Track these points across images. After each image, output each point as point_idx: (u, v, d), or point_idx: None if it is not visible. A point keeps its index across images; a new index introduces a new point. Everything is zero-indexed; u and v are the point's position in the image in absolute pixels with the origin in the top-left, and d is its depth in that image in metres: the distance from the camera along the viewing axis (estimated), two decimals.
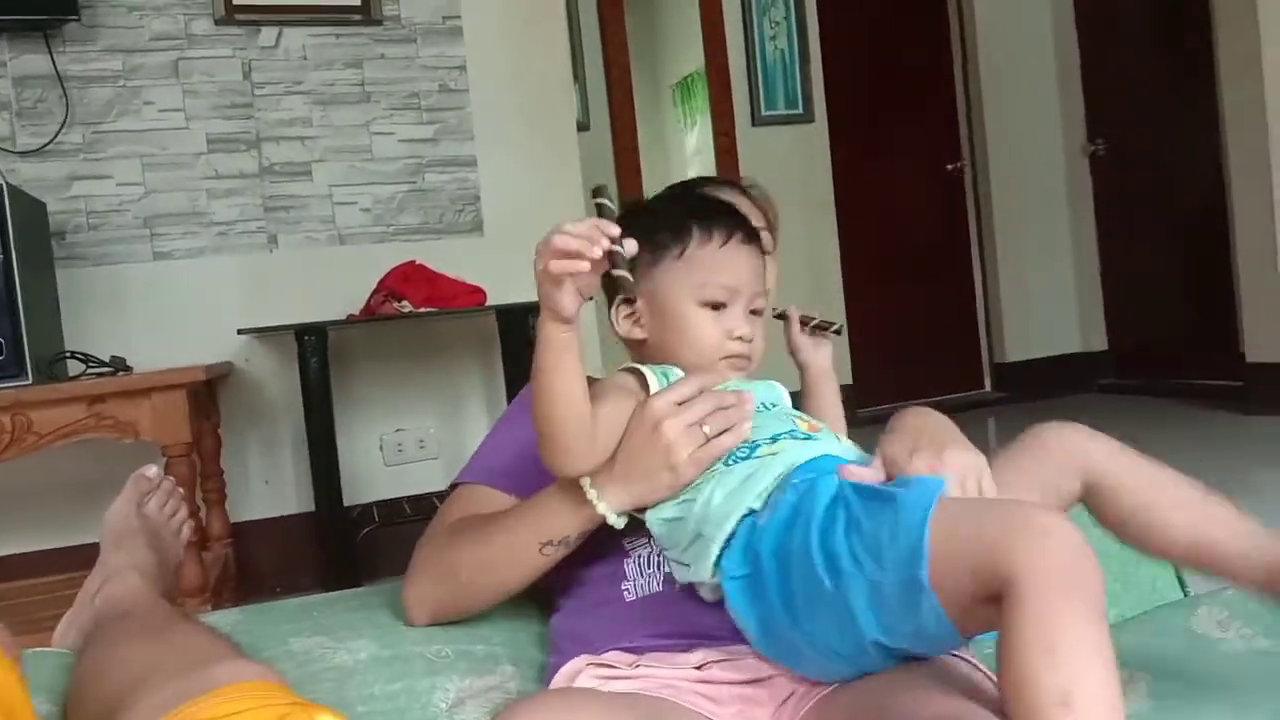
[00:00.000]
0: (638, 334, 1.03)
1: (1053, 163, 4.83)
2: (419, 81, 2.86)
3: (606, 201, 0.88)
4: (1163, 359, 4.49)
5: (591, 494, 0.94)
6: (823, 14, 4.55)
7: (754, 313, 1.04)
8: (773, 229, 1.23)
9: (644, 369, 0.99)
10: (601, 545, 1.01)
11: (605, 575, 1.02)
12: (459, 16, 2.89)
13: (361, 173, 2.82)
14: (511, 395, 2.70)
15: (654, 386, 0.97)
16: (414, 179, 2.85)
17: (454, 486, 1.14)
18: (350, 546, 2.47)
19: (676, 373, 1.00)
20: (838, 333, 1.22)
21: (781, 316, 1.22)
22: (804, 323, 1.21)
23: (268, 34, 2.75)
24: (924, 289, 4.73)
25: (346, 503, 2.57)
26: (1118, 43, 4.55)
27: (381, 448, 2.81)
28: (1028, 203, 4.78)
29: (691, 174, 4.98)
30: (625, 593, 1.00)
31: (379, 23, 2.82)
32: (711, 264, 1.01)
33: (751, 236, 1.05)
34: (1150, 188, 4.44)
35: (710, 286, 1.00)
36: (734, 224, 1.03)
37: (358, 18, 2.81)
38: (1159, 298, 4.49)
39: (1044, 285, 4.79)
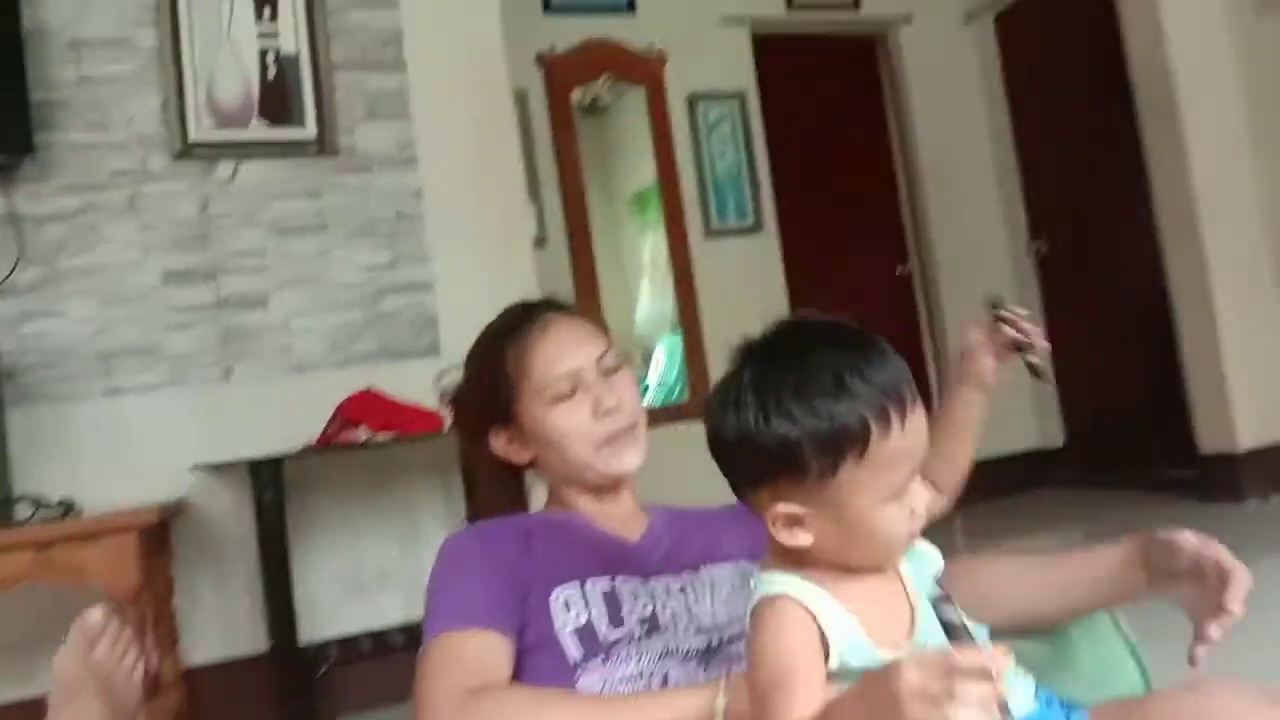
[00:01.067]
0: (803, 540, 0.82)
1: (998, 263, 4.96)
2: (376, 209, 2.89)
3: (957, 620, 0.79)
4: (1119, 452, 4.55)
5: None
6: (769, 126, 4.70)
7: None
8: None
9: (809, 604, 0.81)
10: (548, 677, 0.99)
11: None
12: (414, 145, 2.94)
13: (319, 301, 2.82)
14: (473, 522, 2.66)
15: (827, 625, 0.80)
16: (372, 304, 2.86)
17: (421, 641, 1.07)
18: (307, 687, 2.39)
19: (820, 595, 0.82)
20: (1037, 375, 1.19)
21: (997, 311, 1.16)
22: (1018, 347, 1.17)
23: (224, 168, 2.77)
24: None
25: (304, 640, 2.49)
26: (1053, 145, 4.73)
27: (340, 581, 2.75)
28: (977, 303, 4.86)
29: (648, 284, 5.06)
30: None
31: (335, 154, 2.87)
32: (894, 455, 0.80)
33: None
34: (1094, 283, 4.57)
35: (898, 479, 0.81)
36: (899, 399, 0.82)
37: (314, 149, 2.85)
38: (1111, 392, 4.57)
39: (998, 383, 4.85)
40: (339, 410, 2.55)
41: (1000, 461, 4.79)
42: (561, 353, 1.12)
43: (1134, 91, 3.95)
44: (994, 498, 4.54)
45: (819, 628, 0.81)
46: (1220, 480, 3.71)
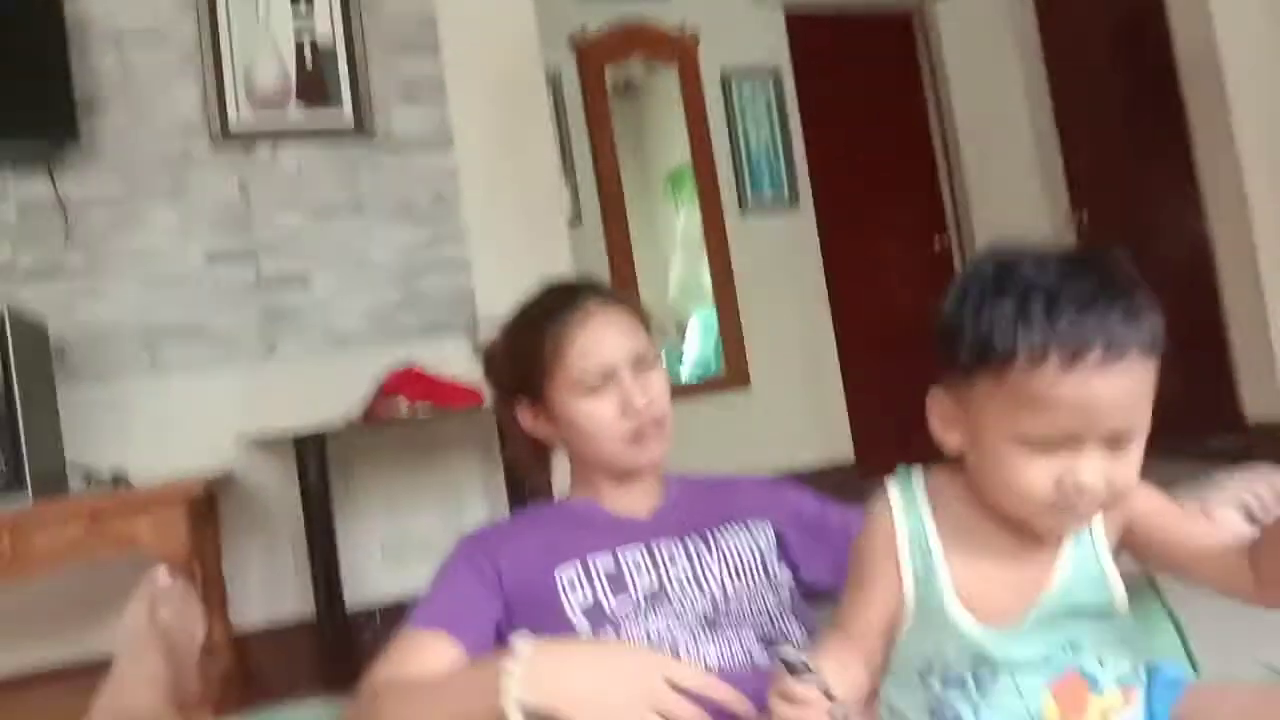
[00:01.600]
0: (950, 441, 0.83)
1: (1039, 234, 4.90)
2: (412, 190, 2.94)
3: (800, 661, 0.77)
4: (1163, 421, 4.46)
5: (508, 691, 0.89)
6: (803, 103, 4.68)
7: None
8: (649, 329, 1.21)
9: (899, 521, 0.84)
10: None
11: None
12: (449, 127, 2.99)
13: (359, 279, 2.88)
14: (511, 492, 2.72)
15: (904, 556, 0.83)
16: (410, 282, 2.92)
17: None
18: (352, 650, 2.46)
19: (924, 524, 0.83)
20: None
21: None
22: None
23: (263, 152, 2.84)
24: (920, 364, 4.73)
25: (349, 606, 2.56)
26: (1092, 114, 4.66)
27: (383, 549, 2.82)
28: None
29: (682, 260, 5.08)
30: None
31: (372, 136, 2.92)
32: (1038, 398, 0.74)
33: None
34: (1137, 252, 4.44)
35: (1038, 427, 0.75)
36: (1075, 346, 0.74)
37: (351, 132, 2.91)
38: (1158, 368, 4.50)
39: None
40: (383, 386, 2.61)
41: None
42: (598, 345, 1.12)
43: (1176, 59, 3.87)
44: None
45: (895, 550, 0.83)
46: (1266, 449, 3.65)
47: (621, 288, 4.29)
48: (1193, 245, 4.02)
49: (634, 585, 1.07)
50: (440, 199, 2.97)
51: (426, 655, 1.06)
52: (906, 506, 0.86)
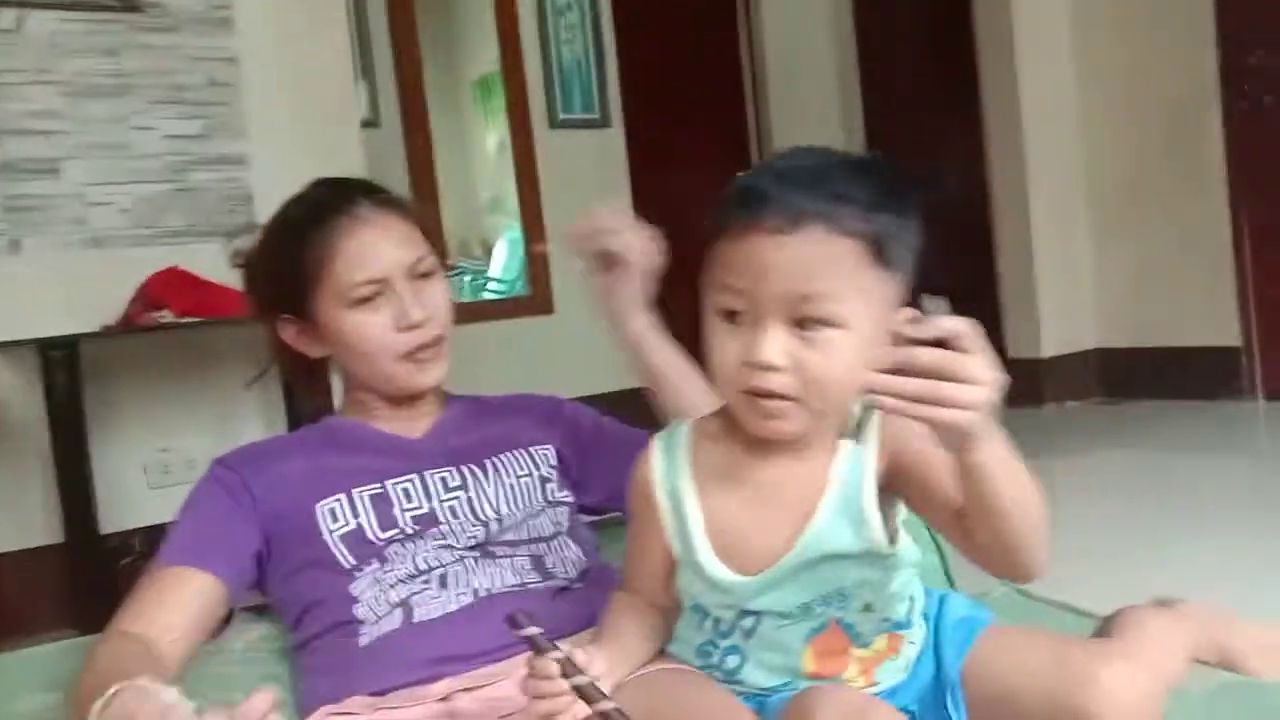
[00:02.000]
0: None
1: None
2: (185, 73, 2.66)
3: (534, 632, 0.75)
4: None
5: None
6: (618, 18, 4.58)
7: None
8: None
9: (655, 458, 0.85)
10: (327, 588, 0.99)
11: (337, 625, 0.98)
12: (229, 6, 2.71)
13: (119, 170, 2.59)
14: (291, 409, 2.57)
15: (660, 496, 0.83)
16: (179, 177, 2.65)
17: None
18: (108, 579, 2.27)
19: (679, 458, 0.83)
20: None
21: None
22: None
23: (7, 16, 2.48)
24: None
25: (105, 531, 2.36)
26: (894, 61, 4.82)
27: (145, 470, 2.60)
28: None
29: (490, 174, 4.92)
30: (361, 638, 0.96)
31: (139, 9, 2.61)
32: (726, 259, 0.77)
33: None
34: (924, 199, 4.73)
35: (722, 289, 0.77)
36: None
37: (115, 3, 2.58)
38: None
39: None
40: (142, 289, 2.39)
41: None
42: (369, 254, 1.04)
43: (974, 11, 4.04)
44: None
45: (653, 498, 0.82)
46: (1024, 385, 3.97)
47: (423, 198, 4.14)
48: (974, 193, 4.25)
49: (401, 515, 1.02)
50: (216, 85, 2.70)
51: (176, 595, 0.99)
52: (665, 453, 0.84)
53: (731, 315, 0.76)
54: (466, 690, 0.88)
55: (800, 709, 0.73)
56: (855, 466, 0.80)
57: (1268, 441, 3.30)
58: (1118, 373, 3.90)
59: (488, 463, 1.08)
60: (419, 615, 0.96)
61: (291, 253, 1.06)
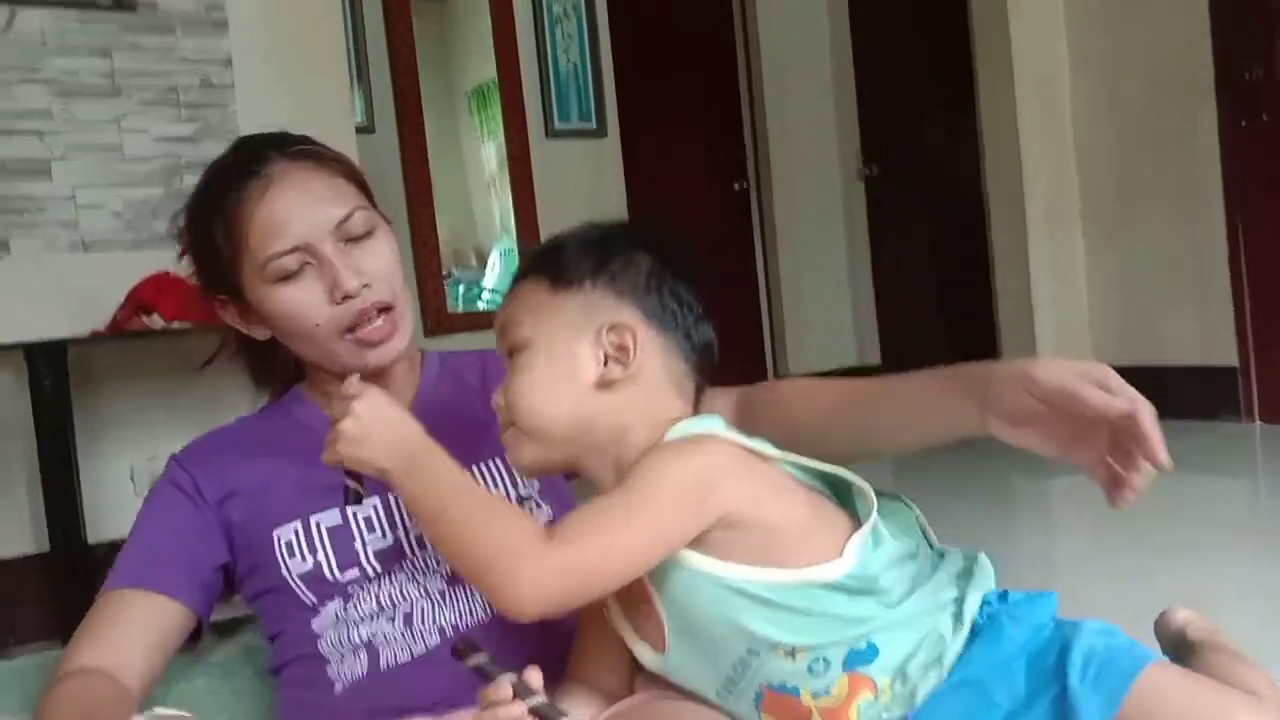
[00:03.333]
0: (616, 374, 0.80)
1: (830, 184, 5.06)
2: (178, 75, 2.63)
3: (481, 660, 0.71)
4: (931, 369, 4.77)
5: None
6: (615, 28, 4.57)
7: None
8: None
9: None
10: (289, 620, 0.93)
11: (302, 658, 0.93)
12: (223, 7, 2.68)
13: (111, 173, 2.56)
14: None
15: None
16: (171, 181, 2.62)
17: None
18: (92, 588, 2.22)
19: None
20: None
21: None
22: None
23: None
24: (713, 304, 4.80)
25: (91, 540, 2.31)
26: (890, 73, 4.83)
27: (133, 477, 2.56)
28: (808, 222, 4.98)
29: (486, 184, 4.89)
30: (330, 680, 0.91)
31: (132, 9, 2.58)
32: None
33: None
34: (918, 208, 4.73)
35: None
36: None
37: (107, 2, 2.55)
38: (926, 313, 4.78)
39: (822, 301, 5.00)
40: (132, 293, 2.34)
41: (820, 375, 4.97)
42: (286, 218, 0.88)
43: (971, 24, 4.04)
44: None
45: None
46: None
47: (419, 206, 4.11)
48: (969, 206, 4.25)
49: (363, 550, 0.92)
50: (210, 87, 2.67)
51: (129, 622, 0.91)
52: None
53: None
54: None
55: None
56: None
57: (1264, 464, 3.28)
58: None
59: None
60: (385, 659, 0.89)
61: (204, 229, 0.93)
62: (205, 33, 2.67)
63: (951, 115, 4.37)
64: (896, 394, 0.88)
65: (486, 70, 4.68)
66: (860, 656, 0.72)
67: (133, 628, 0.90)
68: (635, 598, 0.77)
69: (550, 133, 4.43)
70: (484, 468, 0.97)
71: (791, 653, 0.72)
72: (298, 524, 0.93)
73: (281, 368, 1.05)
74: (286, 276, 0.89)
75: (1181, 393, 3.61)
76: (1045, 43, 3.90)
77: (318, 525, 0.93)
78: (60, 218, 2.50)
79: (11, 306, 2.39)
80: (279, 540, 0.93)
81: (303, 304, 0.89)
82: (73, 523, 2.23)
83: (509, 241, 4.57)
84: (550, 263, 0.81)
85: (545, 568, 0.69)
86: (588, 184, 4.42)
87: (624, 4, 4.61)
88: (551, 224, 4.29)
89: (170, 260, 2.56)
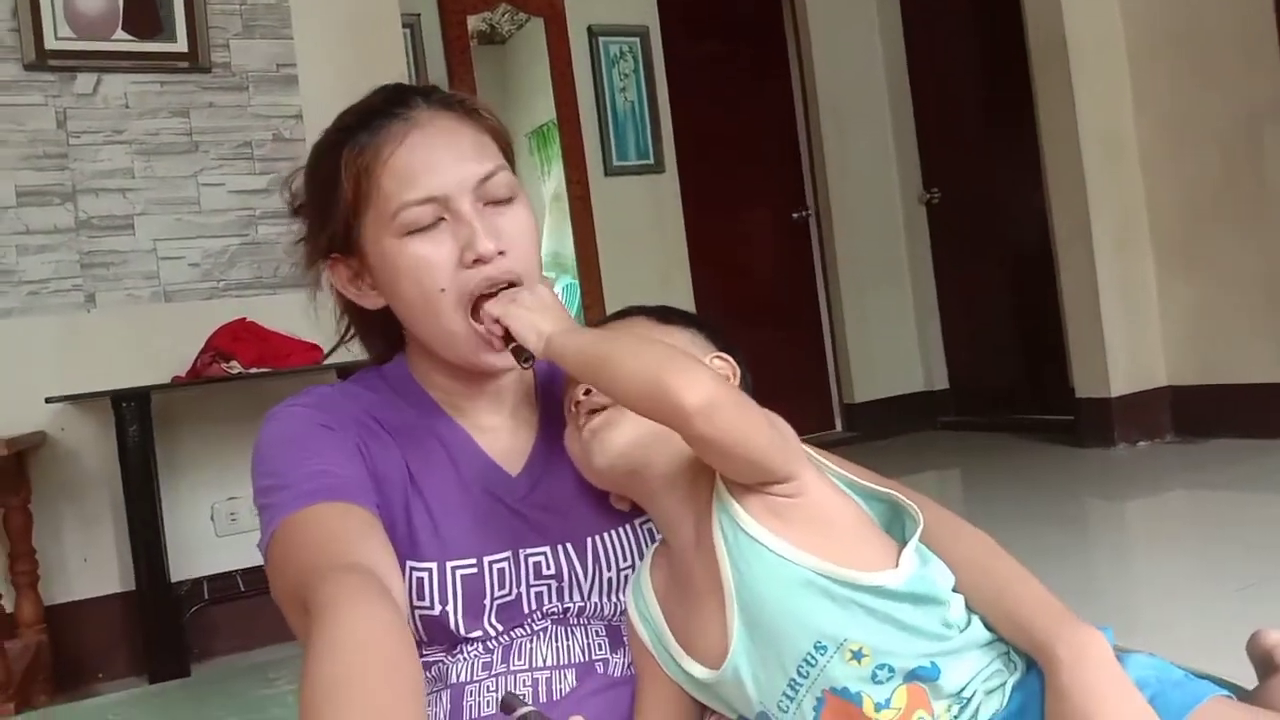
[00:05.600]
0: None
1: (891, 211, 5.03)
2: (251, 130, 2.74)
3: (528, 711, 0.68)
4: (1000, 396, 4.70)
5: None
6: (670, 66, 4.63)
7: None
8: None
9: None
10: None
11: None
12: (294, 65, 2.79)
13: (189, 226, 2.67)
14: None
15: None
16: (246, 232, 2.72)
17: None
18: (177, 626, 2.30)
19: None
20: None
21: None
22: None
23: (85, 80, 2.59)
24: (776, 334, 4.82)
25: (174, 578, 2.40)
26: (948, 98, 4.79)
27: (213, 517, 2.65)
28: (870, 249, 4.95)
29: (548, 222, 4.98)
30: None
31: (207, 70, 2.70)
32: None
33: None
34: (982, 233, 4.67)
35: None
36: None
37: (184, 65, 2.68)
38: (994, 338, 4.71)
39: (887, 328, 4.96)
40: (210, 341, 2.44)
41: (888, 402, 4.92)
42: (425, 165, 0.80)
43: (1028, 47, 4.00)
44: (880, 437, 4.67)
45: (636, 631, 0.85)
46: (1094, 425, 3.86)
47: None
48: (1035, 229, 4.19)
49: (489, 606, 0.84)
50: (281, 140, 2.78)
51: (342, 531, 0.74)
52: (636, 579, 0.86)
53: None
54: None
55: None
56: (722, 509, 0.78)
57: None
58: (1190, 411, 3.78)
59: (587, 546, 0.87)
60: (469, 708, 0.81)
61: (330, 171, 0.82)
62: (276, 89, 2.78)
63: (1011, 139, 4.32)
64: (984, 599, 0.79)
65: (546, 111, 4.77)
66: (924, 673, 0.73)
67: (365, 529, 0.76)
68: (701, 596, 0.78)
69: (609, 170, 4.51)
70: (610, 544, 0.89)
71: (858, 655, 0.73)
72: (433, 566, 0.82)
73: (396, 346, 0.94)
74: (417, 229, 0.80)
75: (1260, 412, 3.51)
76: (1106, 66, 3.84)
77: (455, 571, 0.83)
78: (142, 270, 2.62)
79: (98, 357, 2.51)
80: (411, 573, 0.82)
81: (431, 261, 0.80)
82: (157, 562, 2.31)
83: (572, 276, 4.63)
84: (649, 310, 0.91)
85: (706, 370, 0.74)
86: (648, 219, 4.48)
87: (679, 41, 4.68)
88: (613, 259, 4.36)
89: (245, 307, 2.67)
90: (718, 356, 0.89)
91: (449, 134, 0.82)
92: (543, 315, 0.79)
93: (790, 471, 0.77)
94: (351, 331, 0.96)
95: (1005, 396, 4.66)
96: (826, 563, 0.74)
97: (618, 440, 0.81)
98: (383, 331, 0.94)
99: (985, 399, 4.79)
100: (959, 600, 0.78)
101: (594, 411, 0.83)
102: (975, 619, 0.78)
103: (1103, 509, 3.20)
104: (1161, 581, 2.32)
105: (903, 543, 0.78)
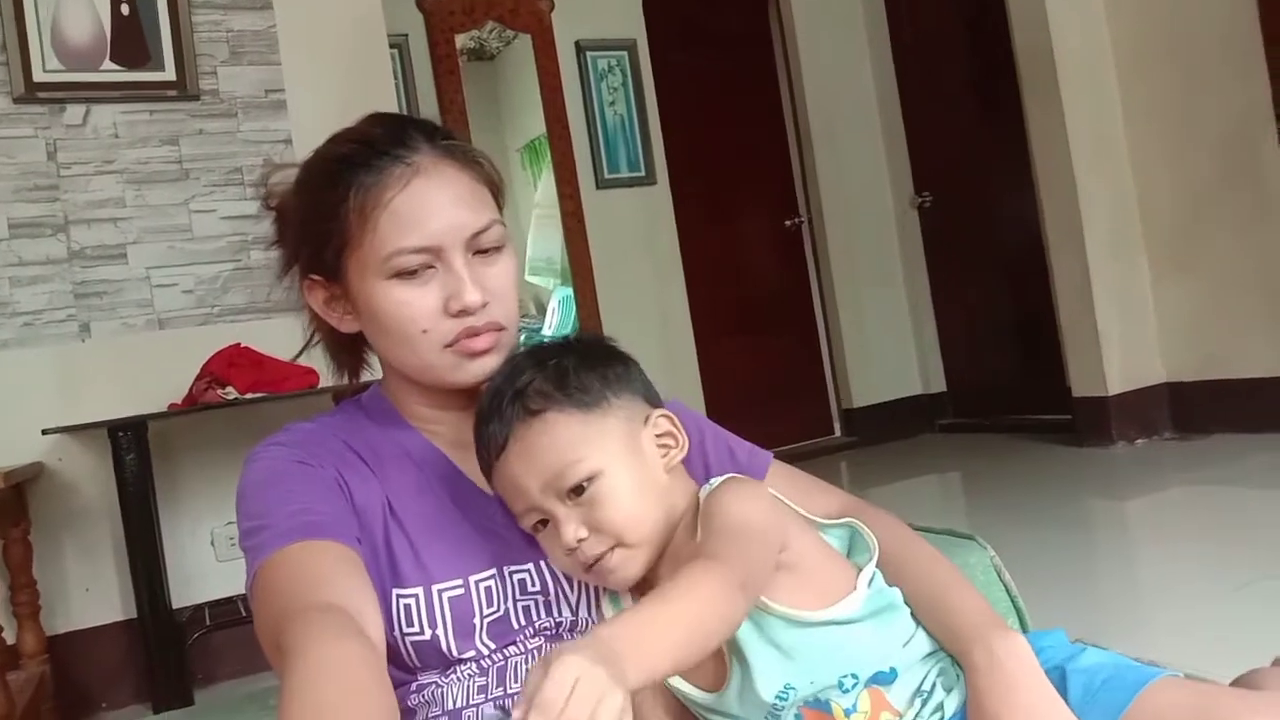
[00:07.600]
0: None
1: (884, 216, 5.04)
2: (241, 156, 2.76)
3: None
4: (997, 397, 4.70)
5: None
6: (659, 79, 4.65)
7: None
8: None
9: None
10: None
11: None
12: (282, 90, 2.80)
13: (181, 253, 2.68)
14: None
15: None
16: (238, 257, 2.73)
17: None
18: (179, 653, 2.30)
19: None
20: None
21: None
22: None
23: (74, 111, 2.60)
24: (773, 340, 4.84)
25: (176, 605, 2.40)
26: (937, 102, 4.81)
27: (213, 543, 2.65)
28: (863, 254, 4.97)
29: (540, 236, 4.99)
30: None
31: (196, 98, 2.71)
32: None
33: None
34: (975, 236, 4.68)
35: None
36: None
37: (173, 93, 2.69)
38: (990, 339, 4.71)
39: (883, 333, 4.96)
40: (205, 367, 2.44)
41: (886, 406, 4.92)
42: (424, 214, 0.82)
43: (1015, 51, 4.02)
44: (879, 441, 4.68)
45: None
46: (1091, 424, 3.87)
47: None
48: (1027, 231, 4.20)
49: (480, 624, 0.84)
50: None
51: (342, 570, 0.75)
52: (612, 599, 0.87)
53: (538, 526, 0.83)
54: None
55: None
56: None
57: None
58: (1187, 407, 3.79)
59: None
60: None
61: (326, 201, 0.84)
62: (265, 115, 2.79)
63: (1002, 143, 4.34)
64: (909, 589, 0.84)
65: (536, 126, 4.79)
66: (882, 677, 0.78)
67: (342, 566, 0.76)
68: None
69: (601, 183, 4.52)
70: None
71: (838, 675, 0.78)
72: (418, 591, 0.83)
73: (358, 354, 0.97)
74: (406, 275, 0.82)
75: (1258, 406, 3.51)
76: (1093, 70, 3.85)
77: (441, 594, 0.83)
78: (136, 298, 2.63)
79: (94, 386, 2.51)
80: (397, 601, 0.83)
81: (416, 307, 0.82)
82: (158, 589, 2.31)
83: (566, 290, 4.64)
84: (565, 393, 0.80)
85: (741, 579, 0.73)
86: (641, 231, 4.49)
87: (666, 53, 4.70)
88: (608, 271, 4.37)
89: (239, 333, 2.68)
90: (651, 423, 0.84)
91: (450, 185, 0.84)
92: (593, 685, 0.57)
93: (783, 559, 0.79)
94: (316, 339, 0.98)
95: (1002, 398, 4.67)
96: (803, 611, 0.78)
97: (634, 571, 0.81)
98: (351, 348, 0.97)
99: (983, 401, 4.79)
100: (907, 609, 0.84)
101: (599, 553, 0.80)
102: (920, 629, 0.83)
103: (1102, 507, 3.20)
104: (1162, 579, 2.32)
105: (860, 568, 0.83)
